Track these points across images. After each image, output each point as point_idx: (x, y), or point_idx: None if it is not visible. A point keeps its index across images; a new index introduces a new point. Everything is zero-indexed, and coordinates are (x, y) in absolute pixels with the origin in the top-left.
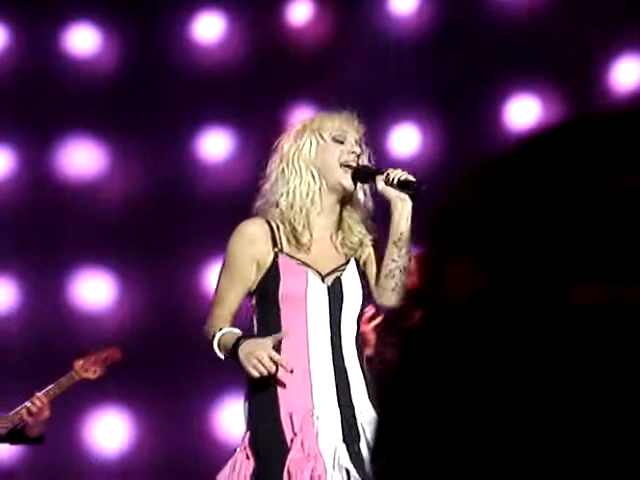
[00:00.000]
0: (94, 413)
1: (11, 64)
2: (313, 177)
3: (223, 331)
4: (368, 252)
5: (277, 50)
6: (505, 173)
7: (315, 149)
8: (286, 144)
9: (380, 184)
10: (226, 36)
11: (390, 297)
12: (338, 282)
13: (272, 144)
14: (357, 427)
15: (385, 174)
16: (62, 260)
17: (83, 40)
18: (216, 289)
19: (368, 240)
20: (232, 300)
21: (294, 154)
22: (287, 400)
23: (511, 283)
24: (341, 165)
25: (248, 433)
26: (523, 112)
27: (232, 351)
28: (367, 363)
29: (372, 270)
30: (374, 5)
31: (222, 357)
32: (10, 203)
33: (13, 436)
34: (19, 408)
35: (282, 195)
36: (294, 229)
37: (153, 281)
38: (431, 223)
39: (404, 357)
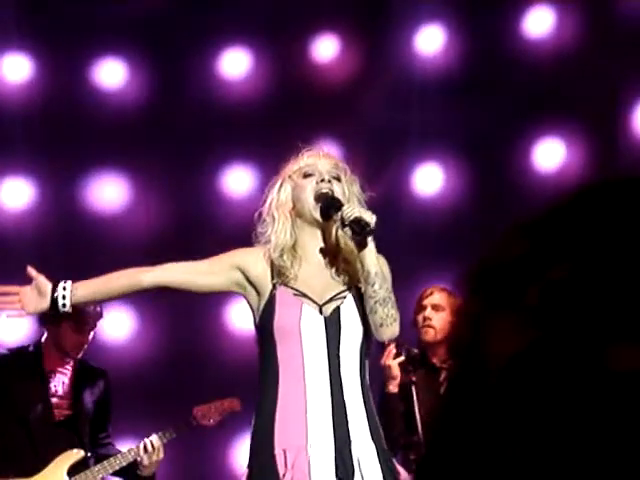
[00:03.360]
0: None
1: (38, 96)
2: (286, 217)
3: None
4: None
5: (302, 86)
6: (549, 232)
7: (290, 193)
8: (267, 196)
9: (337, 222)
10: (251, 72)
11: (380, 333)
12: (337, 312)
13: None
14: (352, 462)
15: (340, 212)
16: None
17: (110, 74)
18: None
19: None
20: (179, 271)
21: (271, 204)
22: (282, 436)
23: (555, 342)
24: (315, 196)
25: (247, 469)
26: (548, 154)
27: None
28: (389, 398)
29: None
30: (400, 44)
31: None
32: (35, 234)
33: (125, 472)
34: (135, 446)
35: (269, 239)
36: (283, 267)
37: (174, 315)
38: (473, 277)
39: (445, 412)
